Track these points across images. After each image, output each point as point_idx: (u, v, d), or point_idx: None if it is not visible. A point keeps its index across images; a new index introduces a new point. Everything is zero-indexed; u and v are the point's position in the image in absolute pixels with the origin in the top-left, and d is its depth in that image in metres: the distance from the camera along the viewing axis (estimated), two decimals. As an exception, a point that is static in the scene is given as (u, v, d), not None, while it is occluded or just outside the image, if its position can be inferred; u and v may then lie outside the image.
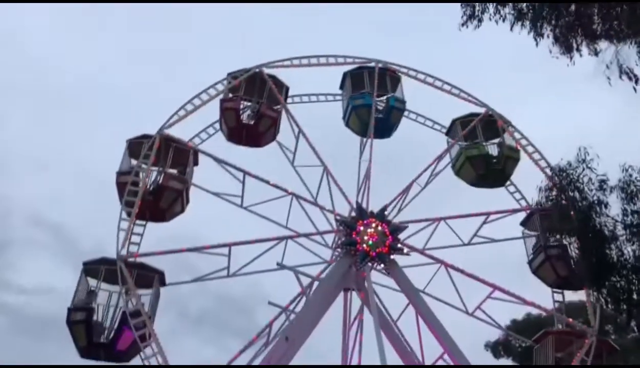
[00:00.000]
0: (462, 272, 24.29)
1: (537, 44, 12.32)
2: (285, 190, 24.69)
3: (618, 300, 12.71)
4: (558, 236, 22.81)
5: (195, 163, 25.59)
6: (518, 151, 27.18)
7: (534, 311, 36.96)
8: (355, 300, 24.87)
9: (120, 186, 24.07)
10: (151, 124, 25.39)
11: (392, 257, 23.76)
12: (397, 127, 28.28)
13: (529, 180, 26.17)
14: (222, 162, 25.08)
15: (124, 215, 23.17)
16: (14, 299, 64.47)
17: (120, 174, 24.54)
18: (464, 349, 22.80)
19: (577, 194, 12.57)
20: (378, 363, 21.15)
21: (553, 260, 24.19)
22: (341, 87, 28.90)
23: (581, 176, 12.71)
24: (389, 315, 24.79)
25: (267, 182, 24.68)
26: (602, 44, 12.44)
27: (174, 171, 25.00)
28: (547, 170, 24.51)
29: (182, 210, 24.86)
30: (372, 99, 27.37)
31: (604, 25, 12.24)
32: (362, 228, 23.76)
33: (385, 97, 28.31)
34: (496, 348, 41.14)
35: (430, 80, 28.34)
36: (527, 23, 12.24)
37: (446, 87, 28.47)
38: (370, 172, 26.01)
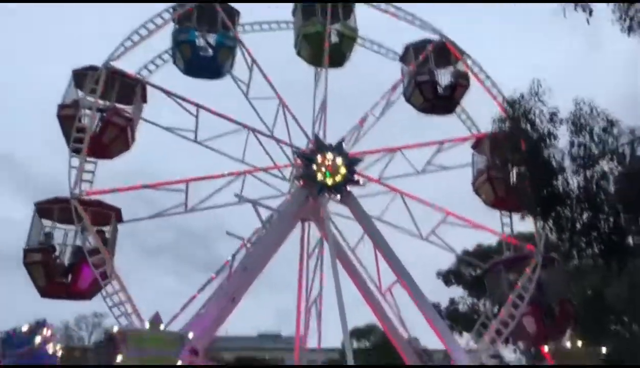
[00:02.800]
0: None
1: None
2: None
3: (562, 229, 13.26)
4: None
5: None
6: (356, 31, 27.76)
7: (485, 241, 38.52)
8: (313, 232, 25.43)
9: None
10: (100, 53, 24.01)
11: (348, 188, 24.00)
12: (227, 66, 26.15)
13: (481, 110, 27.49)
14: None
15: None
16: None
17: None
18: (416, 277, 23.79)
19: (528, 126, 12.79)
20: (333, 290, 21.77)
21: (422, 86, 27.19)
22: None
23: (533, 108, 12.91)
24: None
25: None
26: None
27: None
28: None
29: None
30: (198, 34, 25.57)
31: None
32: (319, 160, 23.83)
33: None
34: (447, 276, 42.90)
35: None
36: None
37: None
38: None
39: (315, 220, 24.70)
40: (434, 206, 25.11)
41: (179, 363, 13.63)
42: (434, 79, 27.59)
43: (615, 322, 37.75)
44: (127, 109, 24.08)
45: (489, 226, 25.91)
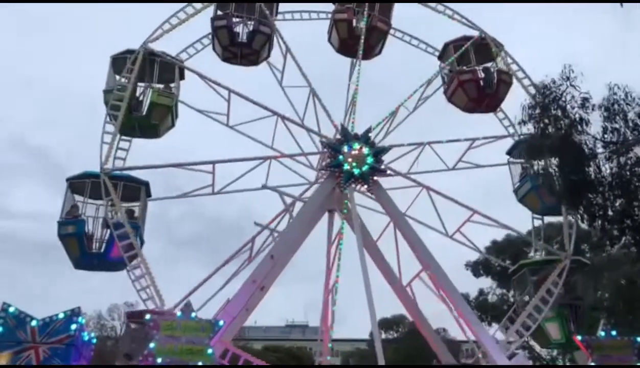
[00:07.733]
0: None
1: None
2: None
3: (594, 216, 13.02)
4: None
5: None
6: (170, 97, 24.33)
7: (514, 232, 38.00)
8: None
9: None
10: (137, 39, 24.75)
11: (375, 178, 23.86)
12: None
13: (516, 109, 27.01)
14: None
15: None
16: (2, 224, 64.84)
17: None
18: (445, 268, 23.58)
19: (559, 112, 12.57)
20: (361, 282, 21.71)
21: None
22: None
23: (564, 94, 12.68)
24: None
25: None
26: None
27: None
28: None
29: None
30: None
31: None
32: (346, 150, 23.75)
33: None
34: (476, 267, 42.64)
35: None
36: None
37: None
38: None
39: (340, 210, 24.65)
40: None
41: (209, 350, 13.81)
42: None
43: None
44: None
45: (515, 225, 25.65)
